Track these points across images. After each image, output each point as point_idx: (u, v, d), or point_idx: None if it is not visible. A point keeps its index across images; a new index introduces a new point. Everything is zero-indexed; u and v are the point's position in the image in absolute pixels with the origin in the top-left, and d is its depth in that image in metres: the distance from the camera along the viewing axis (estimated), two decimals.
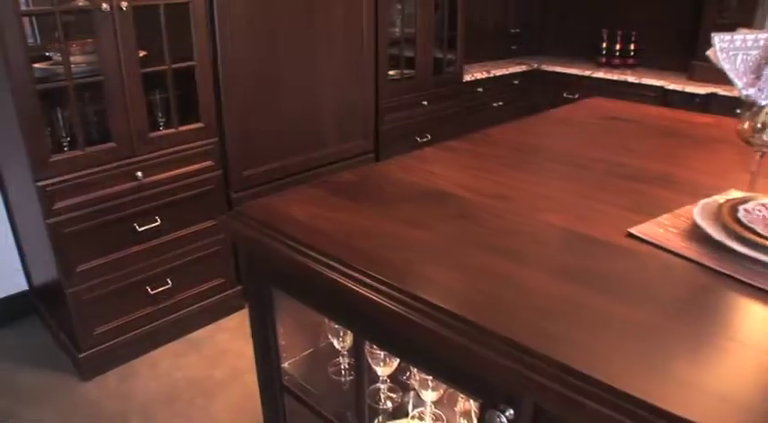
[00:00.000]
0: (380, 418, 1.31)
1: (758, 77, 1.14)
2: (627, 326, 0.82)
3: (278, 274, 1.19)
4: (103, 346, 2.39)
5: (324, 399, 1.32)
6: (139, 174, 2.33)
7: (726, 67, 1.14)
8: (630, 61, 3.91)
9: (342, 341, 1.31)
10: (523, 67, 3.97)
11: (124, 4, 2.15)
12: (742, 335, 0.81)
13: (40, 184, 2.09)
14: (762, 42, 1.14)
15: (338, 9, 2.82)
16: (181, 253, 2.52)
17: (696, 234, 1.07)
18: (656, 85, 3.54)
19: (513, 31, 4.22)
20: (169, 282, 2.52)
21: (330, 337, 1.34)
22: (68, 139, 2.24)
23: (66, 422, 2.17)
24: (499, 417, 0.82)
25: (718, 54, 1.14)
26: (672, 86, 3.48)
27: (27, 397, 2.29)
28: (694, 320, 0.84)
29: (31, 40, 2.46)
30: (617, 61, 3.92)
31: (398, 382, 1.31)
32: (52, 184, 2.12)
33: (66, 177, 2.15)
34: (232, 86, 2.53)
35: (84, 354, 2.35)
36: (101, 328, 2.37)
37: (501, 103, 3.86)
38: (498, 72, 3.78)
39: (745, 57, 1.15)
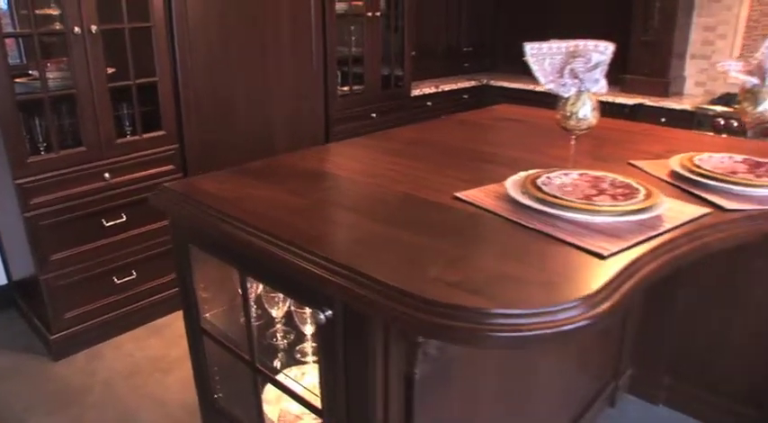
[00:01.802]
0: (280, 355, 1.64)
1: (561, 76, 1.48)
2: (417, 249, 1.15)
3: (191, 231, 1.52)
4: (73, 329, 2.70)
5: (241, 343, 1.64)
6: (107, 175, 2.67)
7: (535, 68, 1.49)
8: None
9: (250, 292, 1.63)
10: (473, 83, 4.35)
11: (94, 28, 2.51)
12: (502, 253, 1.14)
13: (18, 181, 2.43)
14: (563, 49, 1.49)
15: (287, 32, 3.20)
16: (144, 247, 2.85)
17: (505, 195, 1.40)
18: None
19: (465, 49, 4.61)
20: (134, 273, 2.85)
21: (240, 290, 1.66)
22: (45, 144, 2.58)
23: (36, 394, 2.47)
24: (318, 314, 1.15)
25: (530, 58, 1.49)
26: (603, 98, 3.83)
27: (0, 375, 2.60)
28: (465, 244, 1.17)
29: (17, 60, 2.83)
30: None
31: (292, 325, 1.63)
32: (29, 182, 2.45)
33: (41, 176, 2.48)
34: (191, 99, 2.89)
35: (54, 336, 2.66)
36: (71, 313, 2.68)
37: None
38: (447, 87, 4.16)
39: (551, 60, 1.49)
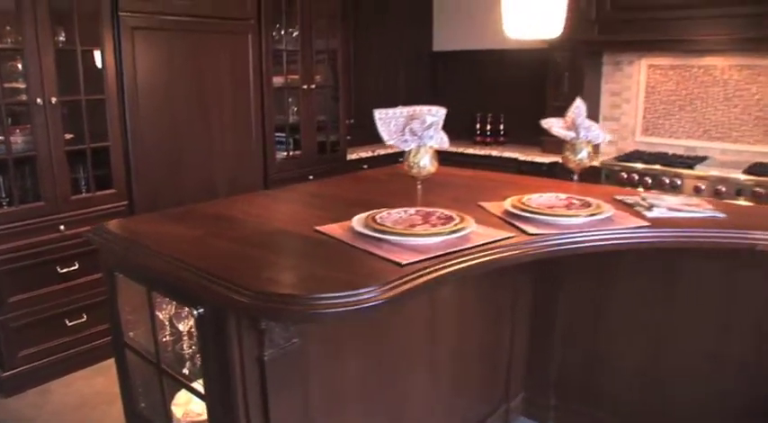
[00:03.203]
0: (188, 364, 2.03)
1: (403, 134, 1.95)
2: (263, 261, 1.59)
3: (115, 259, 1.94)
4: (25, 367, 3.05)
5: (163, 356, 2.03)
6: (62, 227, 3.10)
7: (382, 129, 1.96)
8: (501, 139, 4.85)
9: (166, 313, 2.04)
10: None
11: (54, 99, 3.00)
12: (328, 264, 1.58)
13: None
14: (405, 113, 1.97)
15: (229, 102, 3.73)
16: (95, 293, 3.23)
17: (351, 227, 1.84)
18: (512, 158, 4.44)
19: None
20: (84, 316, 3.23)
21: (158, 312, 2.07)
22: (7, 199, 3.02)
23: None
24: (193, 311, 1.57)
25: (378, 121, 1.97)
26: (524, 158, 4.38)
27: None
28: (303, 258, 1.61)
29: None
30: (489, 139, 4.86)
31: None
32: None
33: (2, 227, 2.91)
34: (140, 162, 3.37)
35: (7, 373, 3.01)
36: (24, 351, 3.05)
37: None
38: (383, 151, 4.68)
39: (395, 122, 1.97)
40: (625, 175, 4.02)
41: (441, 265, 1.59)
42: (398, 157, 4.88)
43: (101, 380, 3.19)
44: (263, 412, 1.61)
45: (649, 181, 3.94)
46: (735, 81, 4.02)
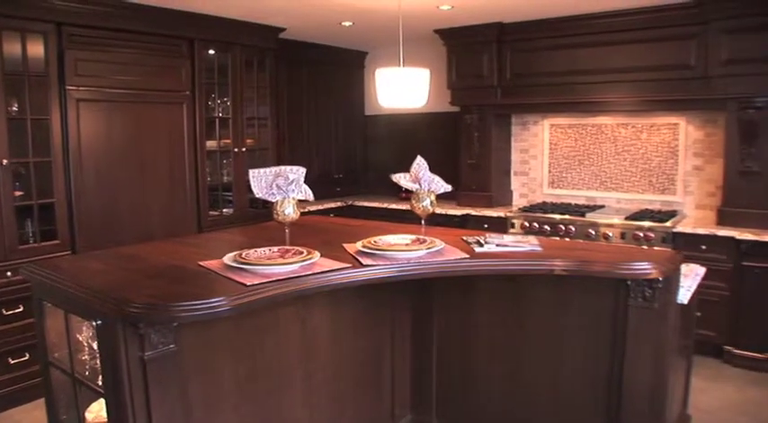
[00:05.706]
0: (101, 377, 2.68)
1: (271, 188, 2.67)
2: (146, 284, 2.28)
3: (42, 290, 2.62)
4: None
5: (82, 371, 2.68)
6: (9, 273, 3.78)
7: (254, 184, 2.68)
8: None
9: (84, 336, 2.70)
10: (339, 203, 5.66)
11: (5, 161, 3.73)
12: (195, 285, 2.28)
13: None
14: (273, 172, 2.69)
15: (165, 164, 4.49)
16: None
17: (222, 261, 2.54)
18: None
19: (336, 176, 6.00)
20: (27, 355, 3.87)
21: (77, 335, 2.73)
22: None
23: None
24: (92, 323, 2.25)
25: (252, 180, 2.69)
26: (440, 211, 5.10)
27: None
28: (177, 282, 2.30)
29: None
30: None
31: None
32: None
33: None
34: (83, 216, 4.08)
35: None
36: None
37: None
38: (314, 208, 5.43)
39: (265, 179, 2.69)
40: (527, 224, 4.76)
41: (278, 286, 2.29)
42: (330, 212, 5.67)
43: (38, 414, 3.79)
44: (146, 406, 2.25)
45: (548, 228, 4.67)
46: (623, 137, 4.82)
